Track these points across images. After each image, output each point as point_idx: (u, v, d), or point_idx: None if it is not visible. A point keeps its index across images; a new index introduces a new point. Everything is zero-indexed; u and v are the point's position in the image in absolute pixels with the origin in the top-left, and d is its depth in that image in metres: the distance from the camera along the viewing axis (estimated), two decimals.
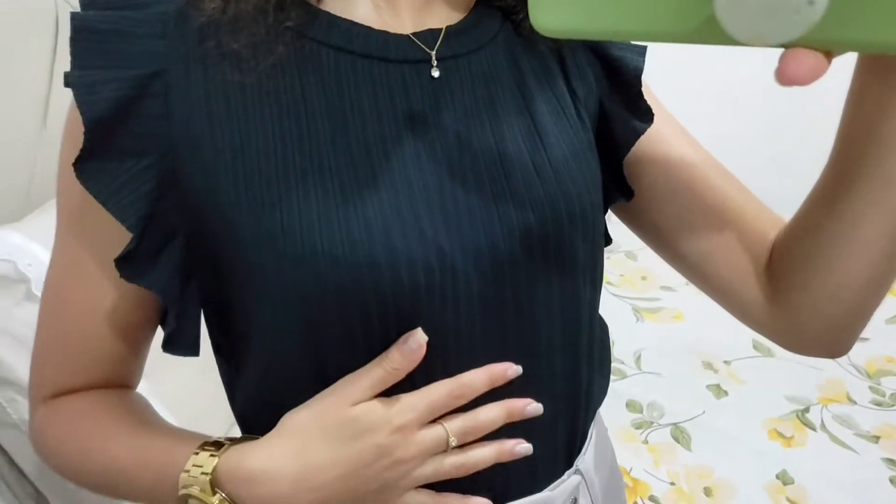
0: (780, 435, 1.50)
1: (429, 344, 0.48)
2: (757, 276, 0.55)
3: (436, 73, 0.50)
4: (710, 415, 1.56)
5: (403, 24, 0.51)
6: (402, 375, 0.48)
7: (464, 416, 0.50)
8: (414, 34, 0.50)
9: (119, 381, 0.57)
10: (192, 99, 0.47)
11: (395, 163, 0.48)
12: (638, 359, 1.75)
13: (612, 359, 1.75)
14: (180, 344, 0.53)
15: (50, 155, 1.38)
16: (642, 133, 0.56)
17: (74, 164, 0.46)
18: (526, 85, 0.53)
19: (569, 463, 0.58)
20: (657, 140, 0.57)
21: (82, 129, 0.45)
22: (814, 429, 1.52)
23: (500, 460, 0.51)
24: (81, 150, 0.46)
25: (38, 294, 1.11)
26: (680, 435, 1.51)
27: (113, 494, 0.55)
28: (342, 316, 0.47)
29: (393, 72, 0.49)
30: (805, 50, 0.30)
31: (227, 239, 0.47)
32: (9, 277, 1.09)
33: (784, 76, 0.30)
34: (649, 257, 2.19)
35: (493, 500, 0.53)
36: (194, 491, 0.48)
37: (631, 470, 1.41)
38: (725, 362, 1.73)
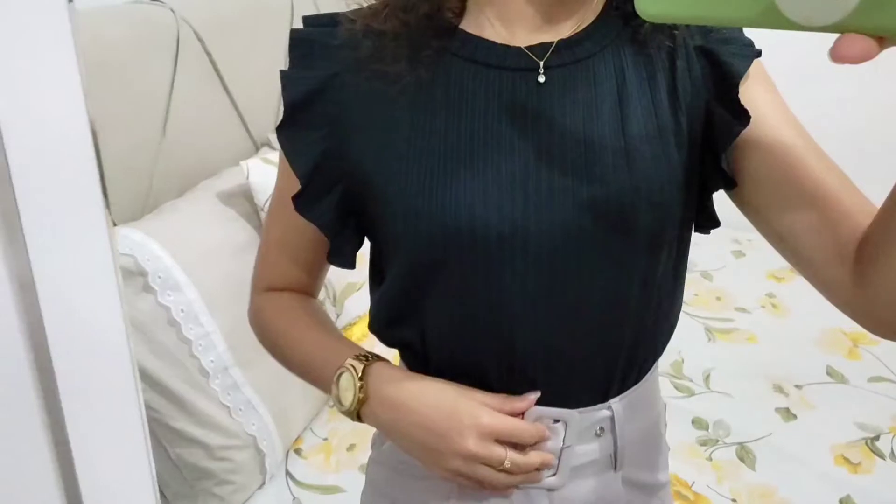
0: (847, 461, 1.50)
1: (497, 291, 0.64)
2: (844, 259, 0.61)
3: (541, 80, 0.63)
4: (776, 437, 1.58)
5: (522, 38, 0.64)
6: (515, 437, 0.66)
7: (522, 454, 0.67)
8: (528, 47, 0.64)
9: (307, 288, 0.80)
10: (357, 94, 0.66)
11: (491, 152, 0.62)
12: (707, 378, 1.77)
13: (681, 376, 1.78)
14: (338, 259, 0.74)
15: (168, 161, 1.52)
16: (738, 134, 0.63)
17: (277, 130, 0.68)
18: (626, 90, 0.64)
19: (603, 399, 0.70)
20: (765, 129, 0.64)
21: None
22: (882, 457, 1.52)
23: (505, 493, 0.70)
24: (281, 122, 0.67)
25: (155, 287, 1.24)
26: (745, 454, 1.53)
27: (292, 368, 0.79)
28: (432, 260, 0.65)
29: (505, 77, 0.63)
30: (857, 35, 0.36)
31: (369, 193, 0.67)
32: (130, 270, 1.22)
33: (836, 55, 0.37)
34: (725, 278, 2.21)
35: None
36: (349, 368, 0.69)
37: (693, 484, 1.45)
38: (797, 386, 1.74)
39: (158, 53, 1.47)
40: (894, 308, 0.58)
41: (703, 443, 1.57)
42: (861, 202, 0.62)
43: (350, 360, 0.70)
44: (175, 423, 1.26)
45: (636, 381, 0.72)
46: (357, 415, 0.70)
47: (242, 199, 1.53)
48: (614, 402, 0.71)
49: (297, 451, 1.51)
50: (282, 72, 0.67)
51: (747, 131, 0.63)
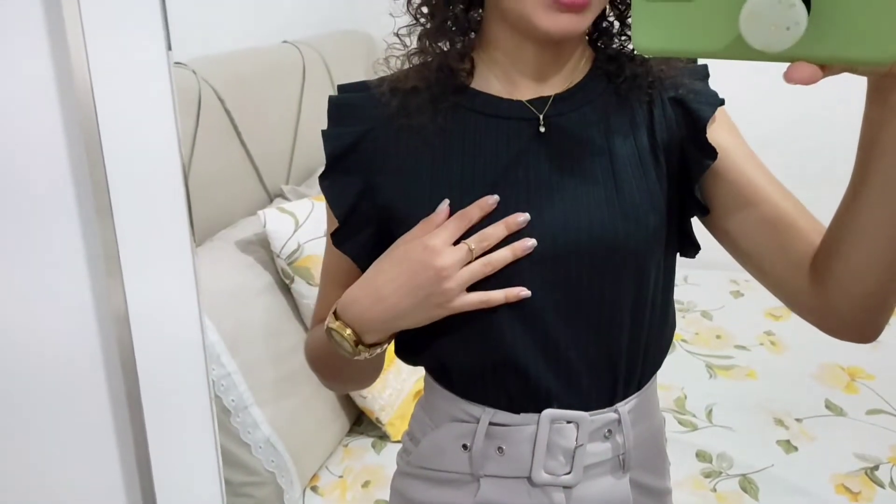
0: (848, 490, 1.55)
1: (507, 307, 0.73)
2: (801, 272, 0.71)
3: (542, 129, 0.74)
4: (778, 468, 1.62)
5: (524, 93, 0.75)
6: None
7: (477, 234, 0.72)
8: (529, 101, 0.75)
9: None
10: (386, 144, 0.77)
11: (500, 187, 0.73)
12: (710, 413, 1.82)
13: (684, 411, 1.83)
14: None
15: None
16: (707, 168, 0.74)
17: (319, 179, 0.78)
18: (612, 134, 0.75)
19: (610, 403, 0.78)
20: (729, 163, 0.75)
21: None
22: (882, 486, 1.56)
23: (515, 256, 0.72)
24: (323, 172, 0.78)
25: None
26: (748, 485, 1.58)
27: (350, 385, 0.90)
28: None
29: (511, 126, 0.74)
30: (805, 63, 0.47)
31: (397, 227, 0.76)
32: None
33: (789, 77, 0.47)
34: (724, 317, 2.27)
35: (548, 403, 0.76)
36: (327, 332, 0.77)
37: None
38: (797, 420, 1.79)
39: (181, 112, 1.56)
40: (846, 311, 0.68)
41: (707, 475, 1.61)
42: (813, 223, 0.72)
43: (325, 328, 0.77)
44: None
45: (638, 389, 0.81)
46: (368, 347, 0.76)
47: (259, 246, 1.61)
48: (620, 406, 0.79)
49: (314, 489, 1.56)
50: (323, 131, 0.78)
51: (715, 165, 0.74)
